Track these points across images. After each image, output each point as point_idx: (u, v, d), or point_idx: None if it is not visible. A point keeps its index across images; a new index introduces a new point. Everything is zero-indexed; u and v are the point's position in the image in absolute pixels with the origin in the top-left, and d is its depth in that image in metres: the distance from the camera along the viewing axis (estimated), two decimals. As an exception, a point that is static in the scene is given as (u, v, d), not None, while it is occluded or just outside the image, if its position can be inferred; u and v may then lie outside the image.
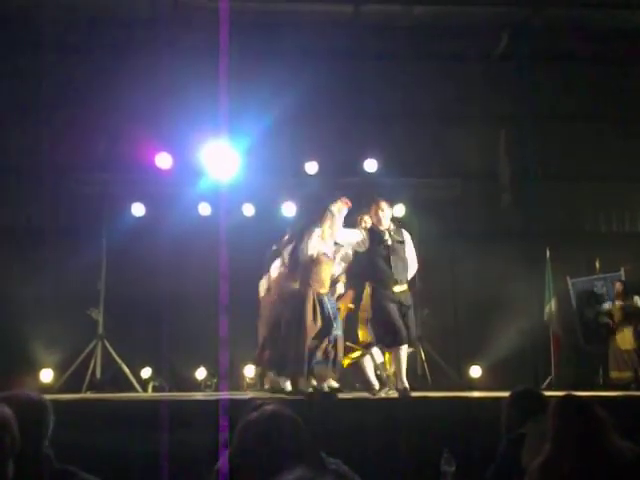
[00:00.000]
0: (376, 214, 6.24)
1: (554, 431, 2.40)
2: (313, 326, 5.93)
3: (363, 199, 6.60)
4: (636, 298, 8.90)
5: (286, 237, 7.03)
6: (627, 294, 9.00)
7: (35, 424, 2.25)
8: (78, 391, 8.01)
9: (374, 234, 6.20)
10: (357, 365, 6.57)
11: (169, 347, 8.54)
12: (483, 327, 9.39)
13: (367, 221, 6.36)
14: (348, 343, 6.35)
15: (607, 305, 9.25)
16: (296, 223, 7.40)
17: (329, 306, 6.09)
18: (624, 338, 8.86)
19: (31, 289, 8.67)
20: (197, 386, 9.03)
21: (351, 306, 6.98)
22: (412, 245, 6.35)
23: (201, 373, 9.17)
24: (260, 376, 8.11)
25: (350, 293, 7.06)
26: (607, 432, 2.37)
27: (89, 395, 7.86)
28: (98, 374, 8.55)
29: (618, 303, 9.05)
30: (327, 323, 6.01)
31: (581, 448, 2.31)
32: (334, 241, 6.24)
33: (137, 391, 8.31)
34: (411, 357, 6.76)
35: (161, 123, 8.78)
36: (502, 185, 10.34)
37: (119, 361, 8.43)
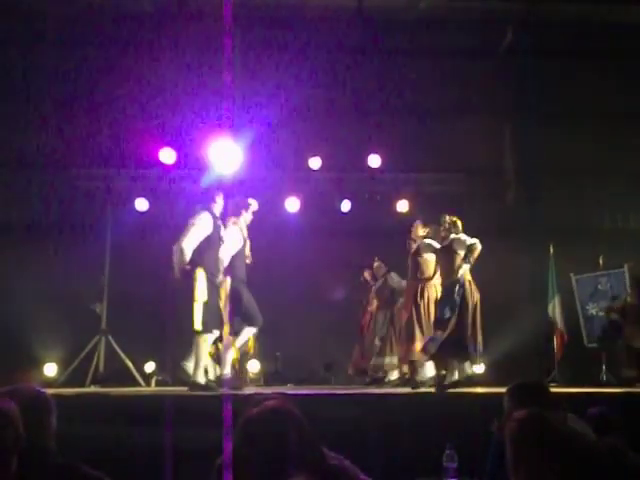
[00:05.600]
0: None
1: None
2: None
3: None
4: None
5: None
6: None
7: (38, 418, 2.24)
8: (82, 385, 8.03)
9: None
10: None
11: (172, 341, 8.54)
12: (486, 323, 9.35)
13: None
14: None
15: (618, 302, 9.14)
16: None
17: None
18: (636, 336, 8.78)
19: (35, 284, 8.68)
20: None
21: None
22: None
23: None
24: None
25: None
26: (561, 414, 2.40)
27: (93, 389, 7.88)
28: (102, 368, 8.57)
29: (630, 300, 8.96)
30: None
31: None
32: None
33: (140, 385, 8.33)
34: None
35: (165, 118, 8.77)
36: (507, 181, 10.31)
37: (122, 355, 8.44)
